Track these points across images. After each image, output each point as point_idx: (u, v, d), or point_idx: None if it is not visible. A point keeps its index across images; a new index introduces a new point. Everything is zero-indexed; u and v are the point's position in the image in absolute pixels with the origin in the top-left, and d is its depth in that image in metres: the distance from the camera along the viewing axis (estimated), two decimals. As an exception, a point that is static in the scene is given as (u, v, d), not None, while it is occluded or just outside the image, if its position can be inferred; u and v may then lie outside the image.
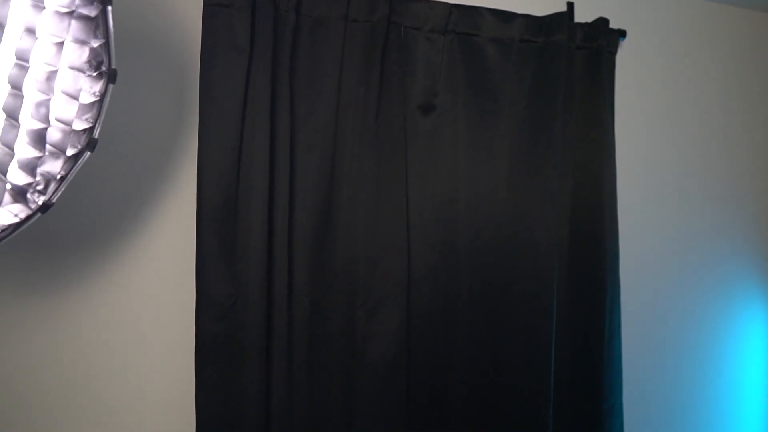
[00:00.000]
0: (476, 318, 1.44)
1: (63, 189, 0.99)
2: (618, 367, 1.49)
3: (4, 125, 0.90)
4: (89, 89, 0.96)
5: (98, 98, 0.97)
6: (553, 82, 1.47)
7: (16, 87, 0.89)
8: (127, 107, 1.41)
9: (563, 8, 1.53)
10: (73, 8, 0.91)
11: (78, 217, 1.43)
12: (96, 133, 0.99)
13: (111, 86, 0.98)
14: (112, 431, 1.47)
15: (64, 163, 0.97)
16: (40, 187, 0.96)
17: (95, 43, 0.93)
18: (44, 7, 0.88)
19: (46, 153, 0.95)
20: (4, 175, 0.92)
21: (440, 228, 1.45)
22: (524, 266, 1.44)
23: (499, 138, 1.48)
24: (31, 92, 0.91)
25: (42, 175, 0.96)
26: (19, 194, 0.94)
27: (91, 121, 0.97)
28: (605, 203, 1.50)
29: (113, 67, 0.98)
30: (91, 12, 0.92)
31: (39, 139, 0.93)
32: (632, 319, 1.57)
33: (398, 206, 1.41)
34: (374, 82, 1.39)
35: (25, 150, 0.93)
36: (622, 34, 1.63)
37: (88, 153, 0.99)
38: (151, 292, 1.44)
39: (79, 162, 0.99)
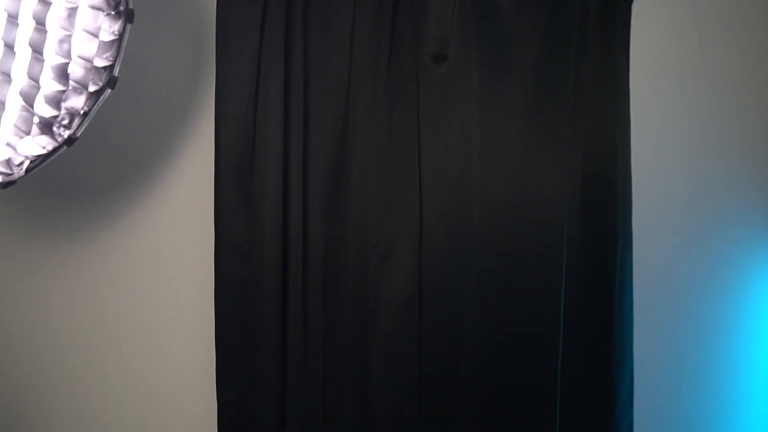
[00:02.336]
0: (488, 265, 1.45)
1: (86, 124, 1.05)
2: (629, 316, 1.49)
3: (30, 59, 0.96)
4: (108, 28, 1.02)
5: (117, 37, 1.02)
6: (567, 32, 1.46)
7: (40, 22, 0.95)
8: (144, 51, 1.46)
9: (578, -44, 1.51)
10: (92, -52, 0.96)
11: (97, 162, 1.50)
12: (116, 71, 1.05)
13: (129, 26, 1.03)
14: (132, 371, 1.56)
15: (87, 99, 1.03)
16: (65, 122, 1.03)
17: (113, -18, 0.99)
18: (65, -53, 0.94)
19: (70, 88, 1.01)
20: (32, 107, 0.98)
21: (452, 176, 1.46)
22: (536, 214, 1.45)
23: (511, 88, 1.48)
24: (54, 28, 0.97)
25: (66, 109, 1.02)
26: (46, 127, 1.01)
27: (111, 59, 1.03)
28: (618, 152, 1.48)
29: (131, 7, 1.03)
30: (109, -49, 0.97)
31: (62, 74, 1.00)
32: (643, 271, 1.56)
33: (410, 153, 1.43)
34: (386, 31, 1.41)
35: (49, 84, 0.99)
36: (639, -18, 1.61)
37: (109, 90, 1.05)
38: (171, 235, 1.51)
39: (101, 99, 1.05)
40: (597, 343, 1.49)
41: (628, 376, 1.49)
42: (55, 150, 1.02)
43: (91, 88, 1.03)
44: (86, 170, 1.52)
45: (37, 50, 0.96)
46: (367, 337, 1.42)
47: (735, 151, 1.68)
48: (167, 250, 1.54)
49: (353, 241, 1.42)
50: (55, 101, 1.00)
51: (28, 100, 0.97)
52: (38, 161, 1.01)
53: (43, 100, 0.99)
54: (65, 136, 1.02)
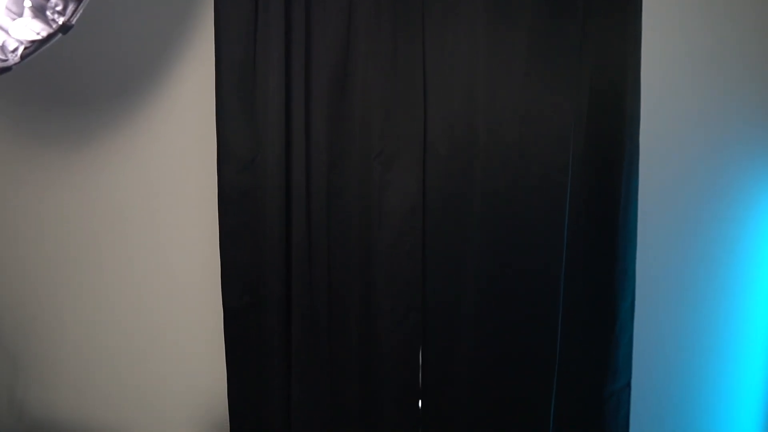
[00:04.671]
0: (493, 178, 1.44)
1: (81, 11, 1.02)
2: (633, 232, 1.48)
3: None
4: None
5: None
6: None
7: None
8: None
9: None
10: None
11: (96, 69, 1.47)
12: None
13: None
14: (134, 281, 1.57)
15: (80, -17, 0.99)
16: (59, 8, 0.99)
17: None
18: None
19: (61, -30, 0.97)
20: (22, -12, 0.95)
21: (458, 87, 1.43)
22: (542, 127, 1.42)
23: (518, 23, 1.43)
24: None
25: (59, -7, 0.98)
26: (39, 11, 0.98)
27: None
28: (628, 66, 1.42)
29: None
30: None
31: (53, -47, 0.96)
32: (649, 191, 1.54)
33: (415, 62, 1.40)
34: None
35: (40, -36, 0.95)
36: None
37: (103, -25, 1.01)
38: (173, 146, 1.50)
39: (95, -16, 1.01)
40: (600, 258, 1.49)
41: (630, 292, 1.50)
42: (50, 37, 0.99)
43: (84, -27, 0.99)
44: (84, 78, 1.49)
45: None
46: (371, 246, 1.43)
47: (741, 76, 1.62)
48: (169, 161, 1.53)
49: (356, 149, 1.41)
50: (47, -17, 0.96)
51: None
52: (33, 48, 0.99)
53: (33, -18, 0.96)
54: (60, 23, 0.99)
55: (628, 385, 1.51)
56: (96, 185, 1.56)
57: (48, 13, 0.98)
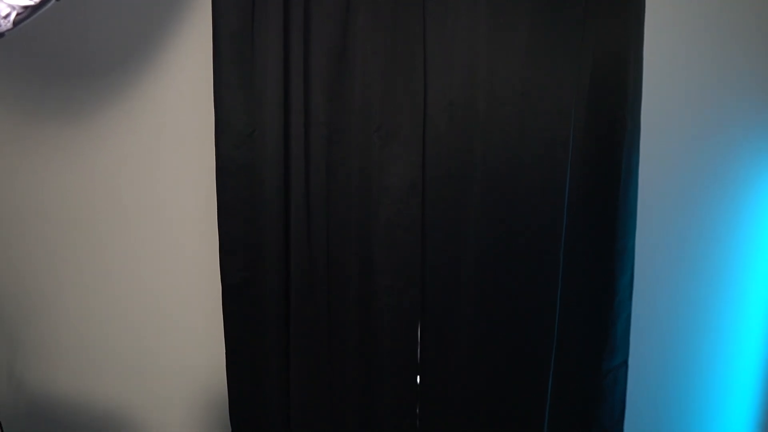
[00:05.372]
0: (493, 154, 1.43)
1: (74, -23, 0.99)
2: (633, 206, 1.47)
3: None
4: None
5: None
6: None
7: None
8: None
9: None
10: None
11: (94, 44, 1.45)
12: None
13: None
14: (132, 258, 1.57)
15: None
16: (52, -27, 0.97)
17: None
18: None
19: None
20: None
21: (458, 63, 1.41)
22: (543, 103, 1.41)
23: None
24: None
25: (52, -42, 0.96)
26: (32, -25, 0.96)
27: None
28: (631, 39, 1.41)
29: None
30: None
31: None
32: (650, 168, 1.53)
33: (415, 37, 1.38)
34: None
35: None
36: None
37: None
38: (171, 118, 1.48)
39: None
40: (600, 234, 1.48)
41: (629, 268, 1.50)
42: (43, 2, 0.97)
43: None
44: (79, 52, 1.47)
45: None
46: (370, 222, 1.42)
47: (746, 49, 1.60)
48: (167, 135, 1.52)
49: (356, 123, 1.39)
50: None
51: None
52: (26, 14, 0.96)
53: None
54: (53, -12, 0.97)
55: (626, 362, 1.51)
56: (92, 160, 1.55)
57: (41, -23, 0.96)
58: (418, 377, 1.52)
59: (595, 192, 1.45)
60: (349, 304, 1.47)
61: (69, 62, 1.48)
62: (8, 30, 0.95)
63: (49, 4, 0.98)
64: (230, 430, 1.60)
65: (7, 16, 0.94)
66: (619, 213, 1.46)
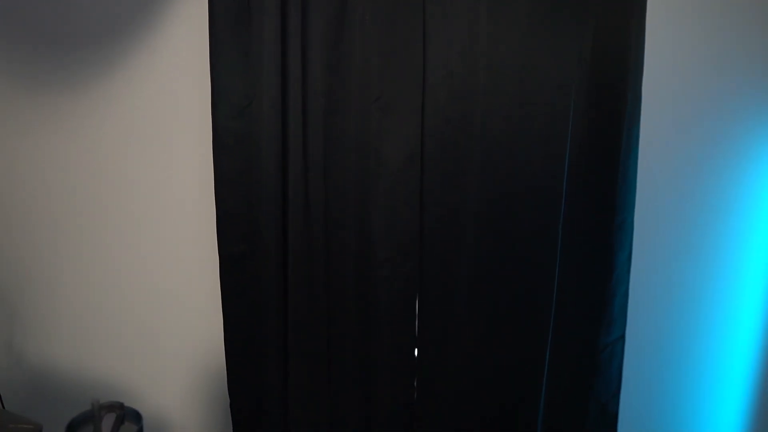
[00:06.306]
0: (493, 125, 1.41)
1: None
2: (633, 182, 1.47)
3: None
4: None
5: None
6: None
7: None
8: None
9: None
10: None
11: (90, 14, 1.44)
12: None
13: None
14: (130, 230, 1.56)
15: None
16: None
17: None
18: None
19: None
20: None
21: (459, 34, 1.39)
22: (544, 74, 1.39)
23: None
24: None
25: None
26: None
27: None
28: (633, 15, 1.40)
29: None
30: None
31: None
32: (650, 142, 1.52)
33: (415, 8, 1.36)
34: None
35: None
36: None
37: None
38: (170, 90, 1.47)
39: None
40: (599, 208, 1.48)
41: (628, 244, 1.49)
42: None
43: None
44: (76, 23, 1.45)
45: None
46: (368, 194, 1.41)
47: (750, 26, 1.58)
48: (164, 106, 1.50)
49: (355, 94, 1.38)
50: None
51: None
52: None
53: None
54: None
55: (622, 337, 1.52)
56: (90, 131, 1.54)
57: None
58: (416, 350, 1.52)
59: (595, 165, 1.45)
60: (348, 277, 1.47)
61: (65, 32, 1.46)
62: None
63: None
64: (228, 400, 1.62)
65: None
66: (619, 188, 1.46)
